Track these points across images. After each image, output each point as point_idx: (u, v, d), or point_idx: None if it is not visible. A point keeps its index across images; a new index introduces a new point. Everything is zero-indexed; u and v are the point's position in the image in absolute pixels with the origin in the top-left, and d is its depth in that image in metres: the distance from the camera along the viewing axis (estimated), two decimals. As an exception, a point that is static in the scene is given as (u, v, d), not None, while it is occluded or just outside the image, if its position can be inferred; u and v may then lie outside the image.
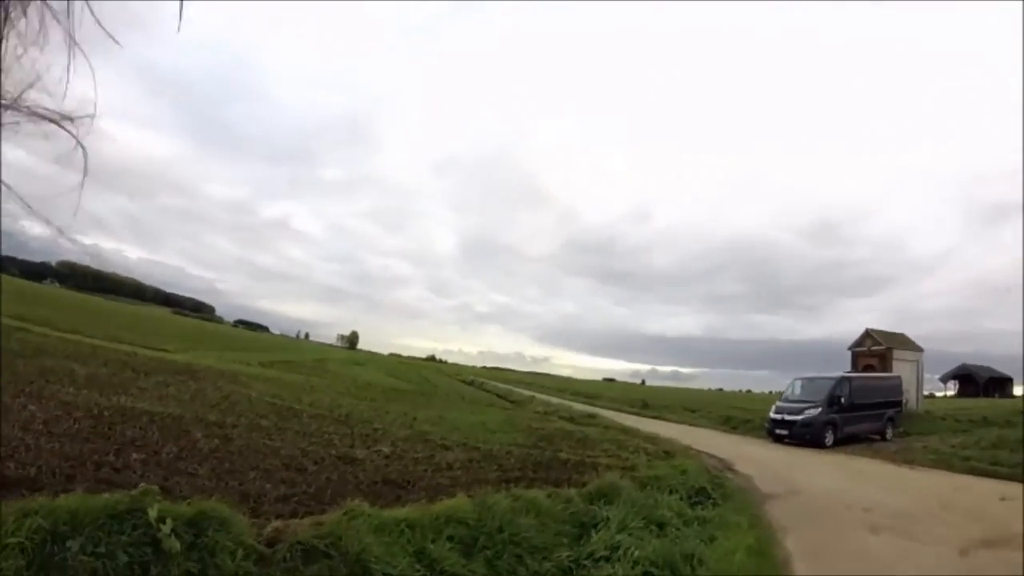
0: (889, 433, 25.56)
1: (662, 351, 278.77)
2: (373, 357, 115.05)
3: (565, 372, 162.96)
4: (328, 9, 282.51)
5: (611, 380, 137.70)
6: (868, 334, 33.29)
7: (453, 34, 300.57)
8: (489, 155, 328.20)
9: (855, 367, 32.30)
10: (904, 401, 28.20)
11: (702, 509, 10.54)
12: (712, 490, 11.95)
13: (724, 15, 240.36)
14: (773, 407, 25.48)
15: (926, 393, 36.01)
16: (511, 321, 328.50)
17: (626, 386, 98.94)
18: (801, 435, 23.15)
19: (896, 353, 31.85)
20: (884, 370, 30.47)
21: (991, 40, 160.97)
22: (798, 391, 25.77)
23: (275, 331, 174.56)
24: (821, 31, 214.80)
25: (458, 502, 7.30)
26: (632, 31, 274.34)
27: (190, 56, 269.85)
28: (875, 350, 32.66)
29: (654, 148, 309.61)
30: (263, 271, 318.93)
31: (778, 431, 24.15)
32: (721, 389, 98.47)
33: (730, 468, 16.69)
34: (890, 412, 26.05)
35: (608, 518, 8.48)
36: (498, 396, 44.46)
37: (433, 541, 6.35)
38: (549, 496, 8.73)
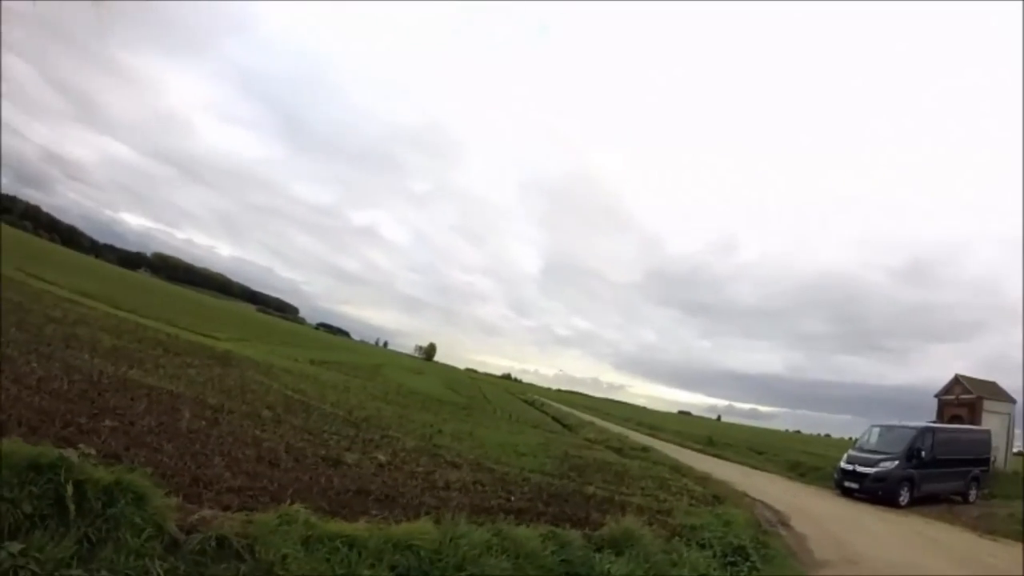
0: (972, 495, 23.32)
1: (741, 387, 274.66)
2: (442, 369, 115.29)
3: (640, 402, 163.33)
4: (417, 20, 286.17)
5: (686, 413, 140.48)
6: (957, 381, 30.64)
7: (544, 51, 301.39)
8: (575, 176, 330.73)
9: (941, 417, 29.74)
10: (992, 459, 25.60)
11: (736, 573, 9.21)
12: (753, 550, 10.43)
13: (817, 44, 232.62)
14: (845, 456, 23.47)
15: (1016, 450, 32.91)
16: (590, 346, 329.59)
17: (697, 420, 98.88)
18: (873, 490, 21.08)
19: (987, 404, 29.27)
20: (972, 421, 27.95)
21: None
22: (874, 440, 23.60)
23: (356, 337, 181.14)
24: (924, 59, 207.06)
25: (420, 527, 6.23)
26: (718, 56, 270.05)
27: (282, 59, 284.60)
28: (964, 399, 30.01)
29: (743, 177, 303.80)
30: (348, 276, 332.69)
31: (847, 483, 22.11)
32: (799, 431, 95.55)
33: (784, 523, 15.13)
34: (976, 471, 23.69)
35: (609, 572, 7.27)
36: (553, 419, 43.21)
37: (372, 567, 5.41)
38: (545, 536, 7.45)
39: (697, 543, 9.79)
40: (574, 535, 7.95)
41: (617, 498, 12.53)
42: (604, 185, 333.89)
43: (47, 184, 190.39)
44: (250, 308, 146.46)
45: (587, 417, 50.49)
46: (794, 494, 20.92)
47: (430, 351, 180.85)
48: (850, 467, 22.28)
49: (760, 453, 35.68)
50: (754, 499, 17.55)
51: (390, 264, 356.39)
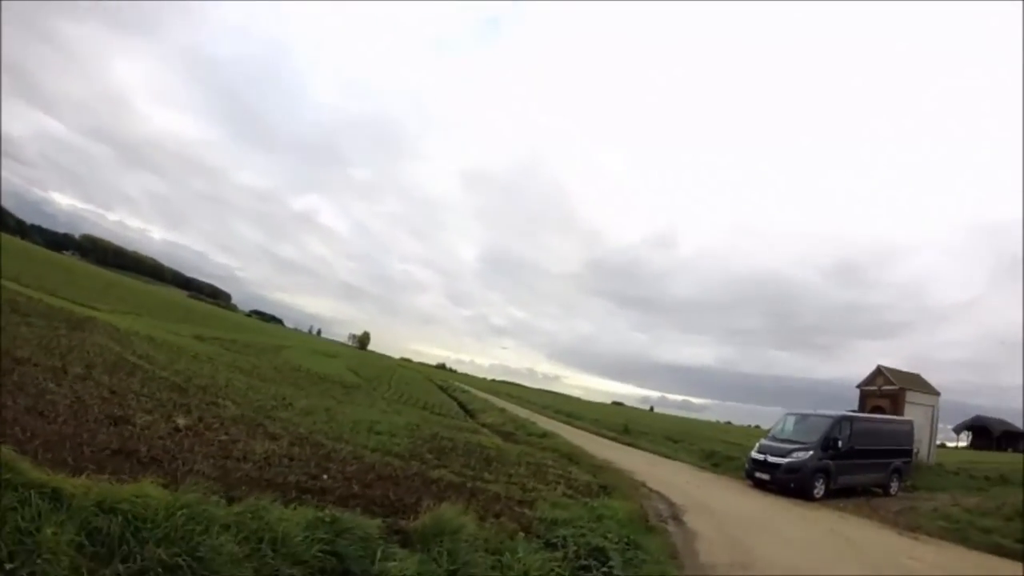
0: (894, 487, 22.15)
1: (675, 379, 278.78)
2: (367, 356, 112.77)
3: (575, 392, 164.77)
4: (366, 9, 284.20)
5: (620, 404, 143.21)
6: (880, 371, 29.91)
7: (489, 45, 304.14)
8: (517, 169, 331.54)
9: (863, 407, 28.92)
10: (915, 451, 24.64)
11: (583, 580, 7.19)
12: (617, 552, 8.38)
13: (758, 39, 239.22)
14: (756, 445, 21.84)
15: (938, 443, 32.34)
16: (526, 337, 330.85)
17: (628, 411, 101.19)
18: (785, 482, 19.61)
19: (910, 395, 28.53)
20: (895, 413, 27.10)
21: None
22: (789, 429, 22.19)
23: (289, 324, 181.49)
24: (858, 61, 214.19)
25: (145, 487, 5.03)
26: (664, 54, 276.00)
27: (230, 43, 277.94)
28: (886, 390, 29.29)
29: (682, 173, 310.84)
30: (285, 263, 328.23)
31: (758, 475, 20.65)
32: (730, 422, 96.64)
33: (677, 518, 13.45)
34: (897, 462, 22.48)
35: (388, 572, 5.52)
36: (460, 404, 41.10)
37: (60, 524, 4.20)
38: (314, 522, 5.67)
39: (548, 541, 7.98)
40: (367, 524, 6.12)
41: (470, 485, 10.77)
42: (546, 177, 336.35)
43: None
44: (181, 293, 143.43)
45: (501, 403, 49.49)
46: (699, 485, 19.38)
47: (364, 339, 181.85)
48: (761, 457, 20.77)
49: (676, 441, 34.46)
50: (651, 490, 16.03)
51: (328, 252, 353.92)
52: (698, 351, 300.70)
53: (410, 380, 56.96)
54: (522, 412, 42.36)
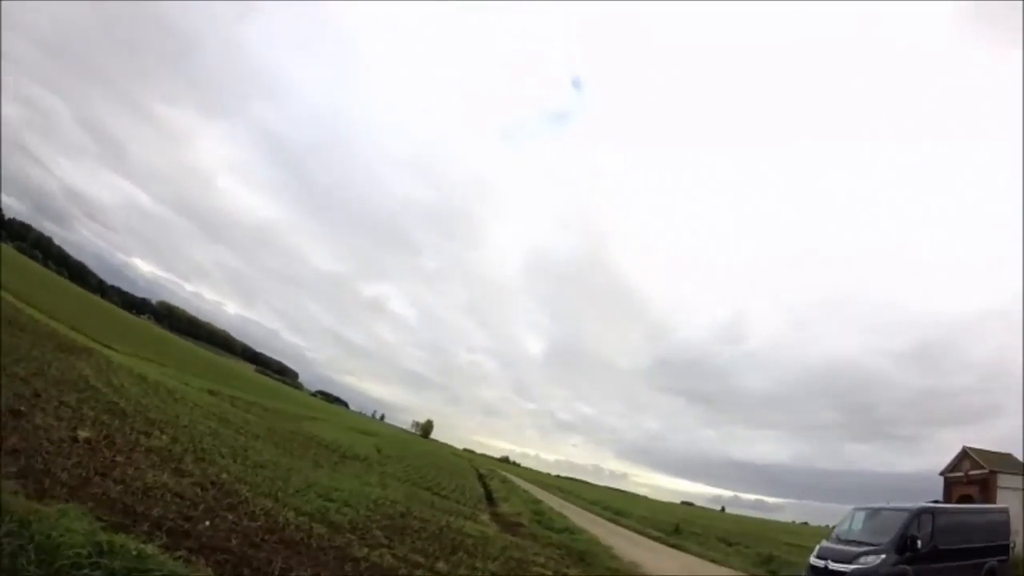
0: None
1: (747, 478, 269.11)
2: (424, 443, 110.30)
3: (643, 491, 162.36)
4: (435, 99, 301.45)
5: (689, 504, 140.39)
6: (966, 454, 26.27)
7: (554, 137, 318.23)
8: (584, 259, 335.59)
9: (948, 498, 25.16)
10: (1011, 545, 20.50)
11: None
12: None
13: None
14: (817, 548, 18.21)
15: None
16: (593, 432, 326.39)
17: (699, 511, 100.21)
18: None
19: (1001, 479, 24.74)
20: (986, 501, 23.11)
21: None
22: (857, 527, 18.75)
23: (354, 408, 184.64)
24: (917, 145, 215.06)
25: None
26: (733, 146, 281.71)
27: (308, 126, 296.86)
28: (974, 475, 25.59)
29: (748, 264, 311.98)
30: (353, 347, 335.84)
31: (817, 585, 16.78)
32: (806, 523, 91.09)
33: None
34: (991, 561, 18.61)
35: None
36: (486, 491, 37.63)
37: None
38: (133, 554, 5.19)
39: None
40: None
41: (404, 572, 9.01)
42: (612, 270, 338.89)
43: (65, 220, 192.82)
44: (248, 367, 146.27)
45: (541, 495, 46.94)
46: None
47: (427, 427, 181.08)
48: (822, 563, 17.35)
49: (730, 544, 30.80)
50: None
51: (395, 339, 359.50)
52: (771, 448, 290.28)
53: (442, 464, 53.51)
54: (557, 505, 39.41)
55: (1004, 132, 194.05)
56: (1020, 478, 25.22)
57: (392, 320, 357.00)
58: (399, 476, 24.70)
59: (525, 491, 48.61)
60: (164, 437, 13.61)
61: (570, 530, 22.79)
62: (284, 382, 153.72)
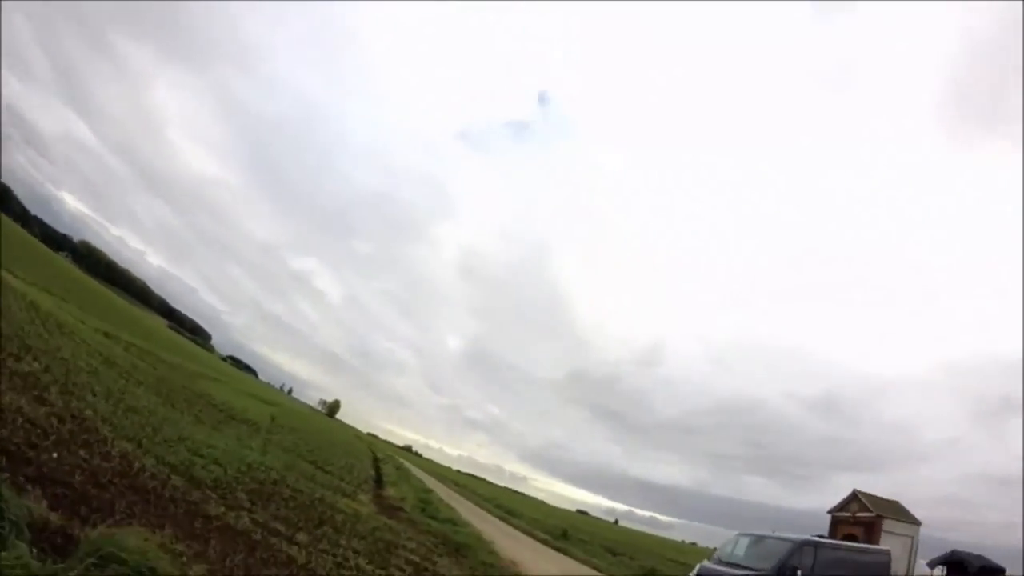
0: None
1: (644, 495, 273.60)
2: (318, 419, 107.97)
3: (541, 495, 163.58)
4: (398, 90, 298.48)
5: (584, 513, 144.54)
6: (855, 496, 26.62)
7: (511, 146, 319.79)
8: (517, 269, 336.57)
9: (834, 535, 25.24)
10: None
11: None
12: None
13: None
14: (697, 567, 17.89)
15: None
16: (498, 434, 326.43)
17: (592, 520, 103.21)
18: None
19: (887, 524, 25.32)
20: (870, 542, 23.27)
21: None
22: (740, 552, 18.50)
23: (263, 378, 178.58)
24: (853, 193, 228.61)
25: None
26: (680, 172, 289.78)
27: (269, 99, 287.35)
28: (861, 517, 26.00)
29: (672, 292, 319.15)
30: (272, 318, 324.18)
31: (693, 604, 16.43)
32: (695, 543, 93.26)
33: None
34: None
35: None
36: (377, 472, 36.43)
37: None
38: None
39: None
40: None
41: (260, 537, 8.43)
42: (546, 282, 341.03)
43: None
44: (161, 322, 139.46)
45: (433, 485, 46.22)
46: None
47: (333, 407, 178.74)
48: (699, 586, 16.69)
49: (615, 554, 30.54)
50: None
51: (315, 315, 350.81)
52: (670, 469, 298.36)
53: (338, 442, 51.80)
54: (447, 497, 38.85)
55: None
56: (905, 525, 25.93)
57: (315, 297, 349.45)
58: (285, 446, 23.28)
59: (419, 480, 47.65)
60: (35, 364, 12.70)
61: (453, 521, 22.08)
62: (196, 342, 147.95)
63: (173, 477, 9.28)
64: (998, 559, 70.20)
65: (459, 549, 15.52)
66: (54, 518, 5.28)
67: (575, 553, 26.92)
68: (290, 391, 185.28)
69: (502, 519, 38.08)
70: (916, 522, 26.58)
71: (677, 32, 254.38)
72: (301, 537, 9.36)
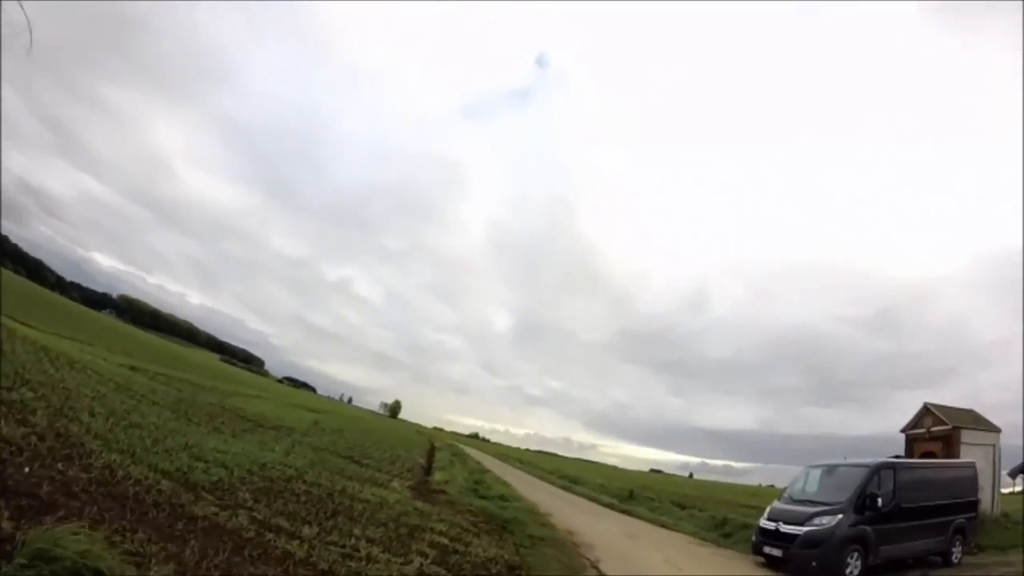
0: (956, 553, 17.05)
1: (715, 444, 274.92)
2: (377, 419, 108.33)
3: (612, 461, 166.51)
4: (395, 78, 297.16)
5: (658, 471, 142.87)
6: (928, 411, 25.43)
7: (516, 112, 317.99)
8: (547, 235, 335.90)
9: (910, 455, 24.27)
10: (978, 502, 19.26)
11: None
12: None
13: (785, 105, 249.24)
14: (767, 509, 16.88)
15: (1007, 490, 27.54)
16: (561, 406, 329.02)
17: (666, 478, 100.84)
18: (804, 560, 14.66)
19: (965, 435, 23.87)
20: (949, 457, 22.27)
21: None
22: (813, 486, 17.28)
23: (321, 392, 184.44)
24: (879, 119, 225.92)
25: None
26: (697, 119, 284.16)
27: (266, 112, 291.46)
28: (937, 431, 24.73)
29: (712, 234, 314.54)
30: (318, 331, 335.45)
31: (768, 549, 15.72)
32: (772, 486, 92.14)
33: None
34: (960, 519, 17.23)
35: None
36: (429, 462, 35.64)
37: None
38: None
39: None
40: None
41: (252, 535, 7.74)
42: (575, 241, 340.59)
43: (20, 216, 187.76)
44: (213, 357, 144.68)
45: (496, 465, 47.11)
46: (682, 566, 13.88)
47: (395, 408, 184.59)
48: (772, 525, 15.90)
49: (683, 508, 29.63)
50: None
51: (361, 320, 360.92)
52: (736, 414, 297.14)
53: (390, 438, 50.58)
54: (505, 474, 38.74)
55: (961, 114, 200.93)
56: (984, 434, 24.69)
57: (357, 302, 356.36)
58: (319, 446, 22.54)
59: (478, 463, 47.22)
60: (28, 393, 12.46)
61: (504, 497, 21.26)
62: (250, 370, 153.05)
63: (164, 482, 8.79)
64: None
65: (505, 525, 14.60)
66: (6, 525, 4.97)
67: (641, 513, 25.97)
68: (349, 400, 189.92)
69: (564, 488, 37.50)
70: (996, 429, 25.22)
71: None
72: (306, 531, 8.58)
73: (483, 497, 19.84)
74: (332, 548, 8.06)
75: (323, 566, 7.20)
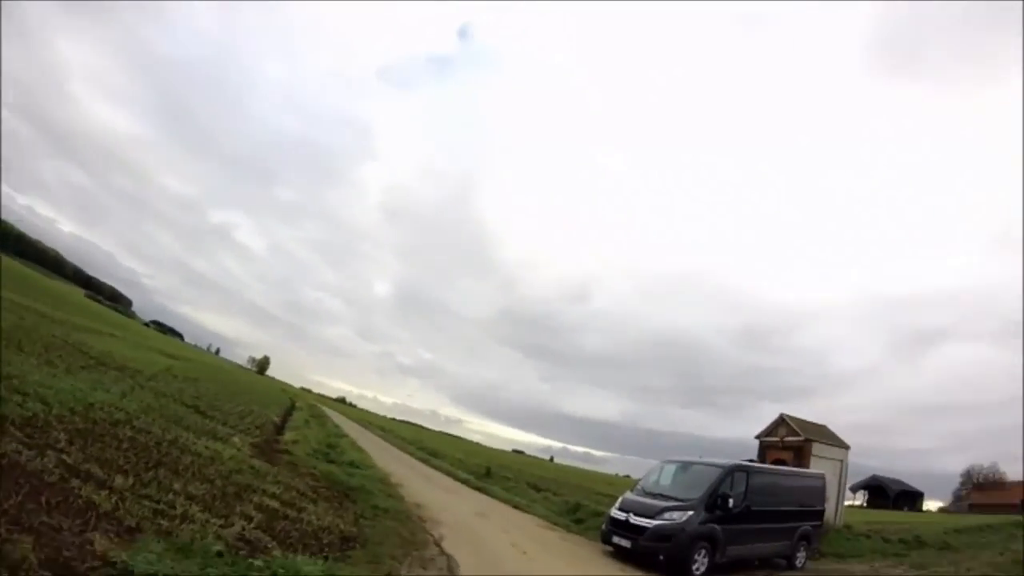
0: (800, 558, 17.79)
1: (578, 431, 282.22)
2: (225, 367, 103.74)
3: (477, 437, 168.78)
4: (315, 27, 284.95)
5: (520, 452, 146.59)
6: (783, 420, 26.35)
7: (434, 83, 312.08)
8: (442, 207, 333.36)
9: (763, 461, 24.49)
10: (824, 511, 20.26)
11: None
12: None
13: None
14: (620, 499, 16.89)
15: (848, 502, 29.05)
16: (432, 378, 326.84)
17: (528, 459, 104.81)
18: (652, 552, 14.68)
19: (816, 447, 24.78)
20: (800, 467, 23.17)
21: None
22: (666, 481, 17.33)
23: (189, 340, 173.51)
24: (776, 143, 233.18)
25: None
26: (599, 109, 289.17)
27: (180, 43, 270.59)
28: (790, 441, 25.53)
29: (606, 230, 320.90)
30: (195, 276, 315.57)
31: (617, 539, 15.57)
32: (629, 476, 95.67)
33: None
34: (806, 526, 17.96)
35: None
36: (283, 419, 34.17)
37: None
38: None
39: None
40: None
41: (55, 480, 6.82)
42: (473, 219, 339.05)
43: None
44: (78, 292, 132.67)
45: (355, 430, 46.51)
46: (527, 550, 13.59)
47: (263, 363, 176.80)
48: (623, 516, 15.78)
49: (539, 490, 29.74)
50: (441, 553, 10.36)
51: (240, 270, 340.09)
52: (602, 405, 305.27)
53: (247, 392, 48.29)
54: (362, 439, 38.02)
55: (844, 144, 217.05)
56: (834, 448, 25.87)
57: (239, 251, 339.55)
58: (164, 392, 20.74)
59: (337, 426, 45.95)
60: None
61: (355, 464, 20.45)
62: (117, 309, 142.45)
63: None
64: (913, 484, 75.99)
65: (348, 493, 13.87)
66: None
67: (496, 492, 25.75)
68: (217, 351, 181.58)
69: (422, 460, 36.90)
70: (845, 446, 26.56)
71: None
72: (119, 481, 7.60)
73: (332, 462, 18.97)
74: (145, 503, 7.19)
75: (130, 522, 6.36)
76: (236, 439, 15.79)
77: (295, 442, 21.11)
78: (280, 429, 26.90)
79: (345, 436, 35.80)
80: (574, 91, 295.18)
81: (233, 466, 11.73)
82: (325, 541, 8.82)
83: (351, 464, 19.91)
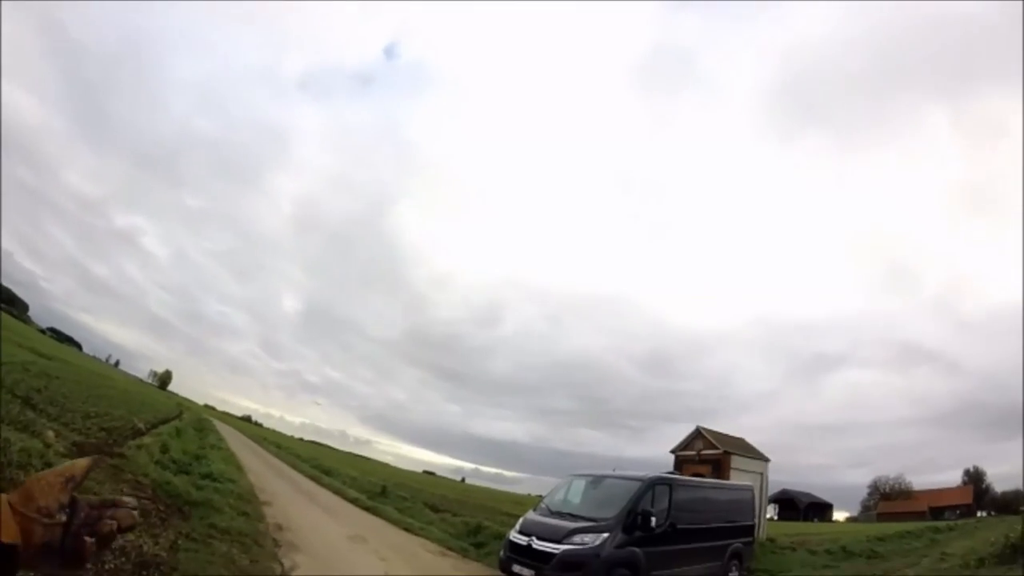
0: None
1: (488, 452, 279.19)
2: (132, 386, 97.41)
3: (387, 459, 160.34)
4: (238, 28, 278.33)
5: (431, 473, 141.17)
6: (700, 433, 25.85)
7: (356, 98, 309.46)
8: (354, 222, 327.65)
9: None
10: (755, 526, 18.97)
11: None
12: None
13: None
14: (520, 521, 14.68)
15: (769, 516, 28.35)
16: (340, 397, 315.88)
17: (439, 480, 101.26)
18: None
19: (736, 460, 24.06)
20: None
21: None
22: (575, 498, 15.27)
23: (87, 350, 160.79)
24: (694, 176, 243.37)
25: None
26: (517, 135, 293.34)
27: (100, 29, 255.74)
28: (707, 454, 24.73)
29: (515, 254, 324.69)
30: (97, 283, 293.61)
31: (518, 569, 13.12)
32: (540, 496, 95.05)
33: None
34: (736, 543, 16.12)
35: None
36: (145, 426, 30.76)
37: None
38: None
39: None
40: None
41: None
42: (386, 237, 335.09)
43: None
44: None
45: (239, 445, 43.21)
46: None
47: (165, 377, 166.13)
48: (524, 540, 13.39)
49: (437, 511, 26.92)
50: None
51: (142, 278, 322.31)
52: (511, 426, 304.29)
53: (125, 402, 44.21)
54: (246, 455, 35.23)
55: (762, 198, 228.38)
56: (753, 461, 25.12)
57: (142, 257, 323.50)
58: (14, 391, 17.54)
59: (221, 439, 42.70)
60: None
61: (214, 477, 17.61)
62: (10, 312, 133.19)
63: None
64: (819, 496, 78.15)
65: (181, 509, 11.15)
66: None
67: (388, 512, 23.31)
68: (116, 363, 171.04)
69: (313, 478, 34.19)
70: (764, 458, 25.99)
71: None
72: None
73: (184, 472, 16.03)
74: None
75: None
76: (50, 433, 12.74)
77: (140, 447, 17.97)
78: (140, 434, 23.61)
79: (222, 449, 32.74)
80: (495, 114, 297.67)
81: (21, 459, 8.82)
82: (107, 567, 6.29)
83: (208, 476, 17.09)
